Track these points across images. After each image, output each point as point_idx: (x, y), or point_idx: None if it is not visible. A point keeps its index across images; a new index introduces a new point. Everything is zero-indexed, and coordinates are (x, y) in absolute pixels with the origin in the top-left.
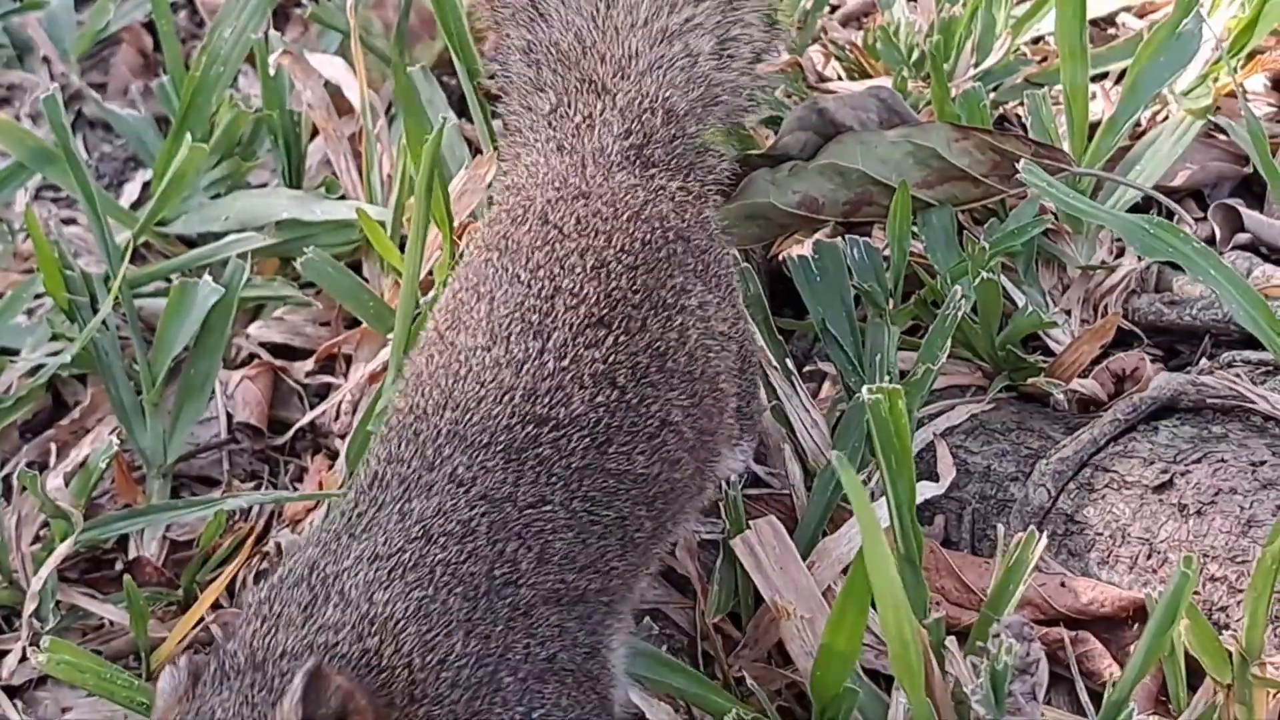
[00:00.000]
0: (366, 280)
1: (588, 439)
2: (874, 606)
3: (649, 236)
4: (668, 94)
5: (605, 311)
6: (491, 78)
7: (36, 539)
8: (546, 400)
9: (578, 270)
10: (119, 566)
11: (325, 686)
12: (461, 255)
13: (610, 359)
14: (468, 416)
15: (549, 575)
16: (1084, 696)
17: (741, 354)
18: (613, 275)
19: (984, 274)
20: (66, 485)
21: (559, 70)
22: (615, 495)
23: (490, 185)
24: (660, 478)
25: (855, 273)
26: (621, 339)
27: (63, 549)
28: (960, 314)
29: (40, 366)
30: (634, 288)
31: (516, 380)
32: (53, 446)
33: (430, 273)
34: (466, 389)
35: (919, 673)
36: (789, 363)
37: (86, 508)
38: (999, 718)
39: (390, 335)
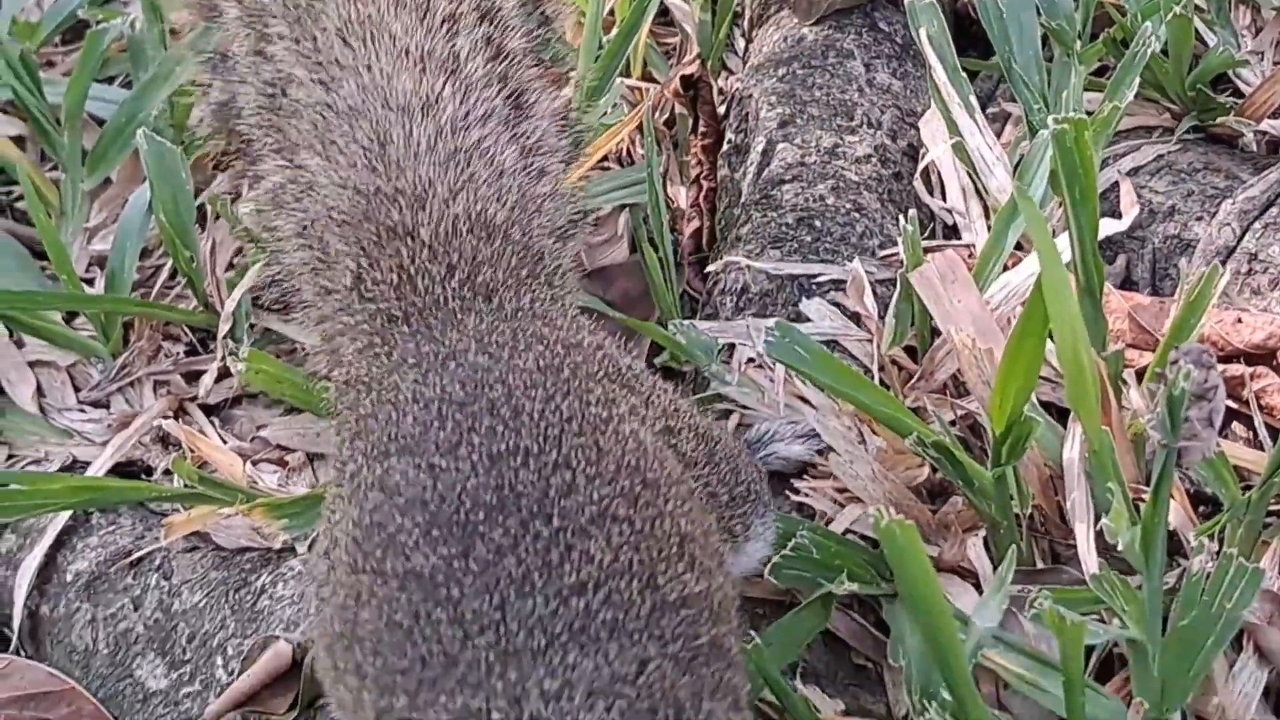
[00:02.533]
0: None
1: (635, 581)
2: (1052, 338)
3: (542, 361)
4: (478, 208)
5: (555, 454)
6: (272, 284)
7: (230, 266)
8: (569, 568)
9: (498, 429)
10: None
11: None
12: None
13: (594, 495)
14: (507, 627)
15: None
16: (1262, 430)
17: (700, 439)
18: (537, 417)
19: (1176, 11)
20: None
21: (346, 233)
22: (697, 622)
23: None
24: (714, 589)
25: (1043, 11)
26: (589, 470)
27: (255, 270)
28: (1149, 52)
29: None
30: (566, 416)
31: (523, 564)
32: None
33: (611, 12)
34: (479, 604)
35: (1095, 402)
36: (972, 100)
37: None
38: (1175, 443)
39: (572, 74)
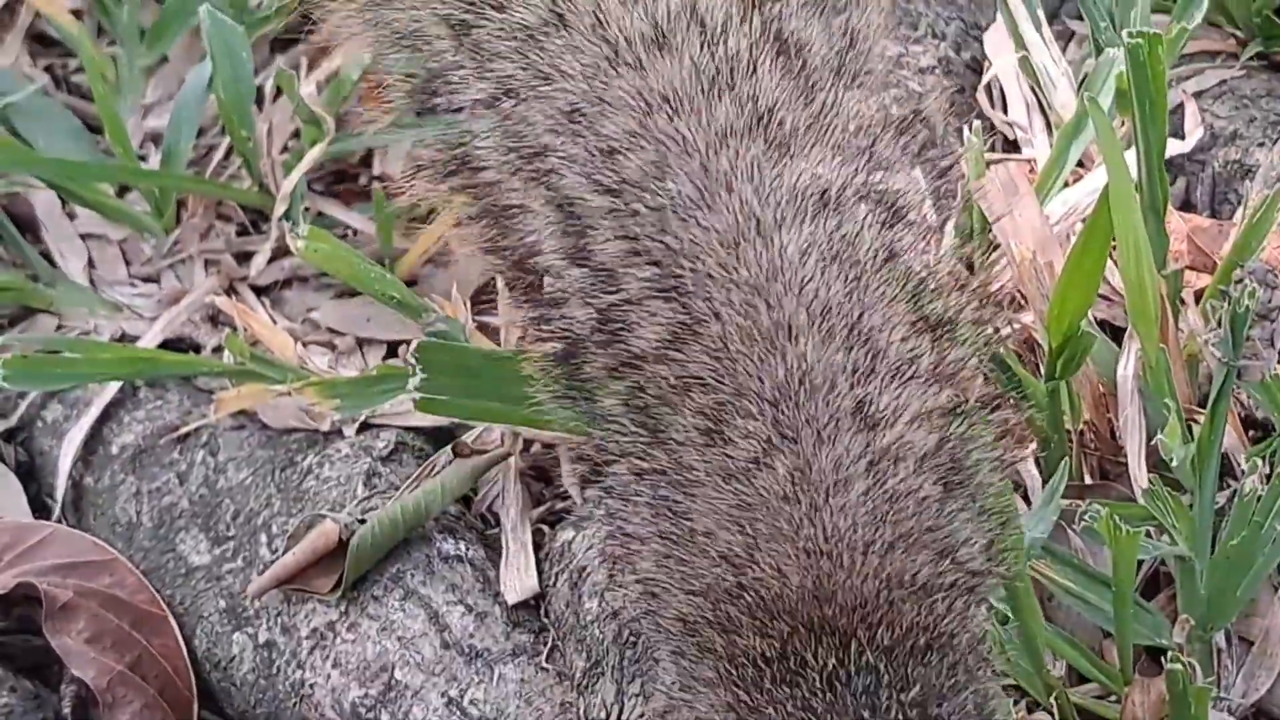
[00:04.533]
0: None
1: None
2: (1111, 258)
3: None
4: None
5: None
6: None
7: (285, 149)
8: None
9: None
10: (363, 181)
11: None
12: None
13: None
14: None
15: None
16: None
17: None
18: None
19: None
20: (319, 93)
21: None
22: None
23: None
24: None
25: None
26: None
27: (315, 152)
28: None
29: None
30: None
31: None
32: (303, 60)
33: None
34: None
35: (1155, 319)
36: (1039, 14)
37: (336, 121)
38: (1235, 362)
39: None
